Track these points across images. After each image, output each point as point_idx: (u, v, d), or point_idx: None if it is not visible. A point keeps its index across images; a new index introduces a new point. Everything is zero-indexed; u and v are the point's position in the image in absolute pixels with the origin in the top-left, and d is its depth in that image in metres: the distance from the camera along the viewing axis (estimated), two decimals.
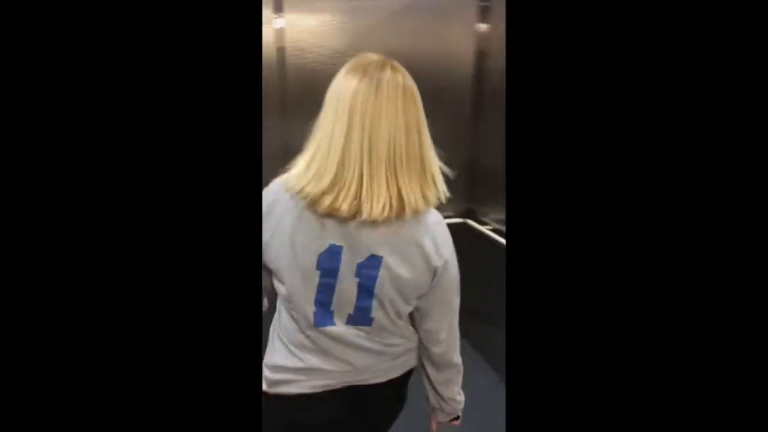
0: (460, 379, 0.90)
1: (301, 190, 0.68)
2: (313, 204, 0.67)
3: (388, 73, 0.67)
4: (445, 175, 0.74)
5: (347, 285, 0.73)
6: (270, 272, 0.79)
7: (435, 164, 0.72)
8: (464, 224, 2.12)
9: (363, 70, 0.67)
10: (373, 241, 0.71)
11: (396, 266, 0.72)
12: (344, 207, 0.65)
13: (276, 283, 0.78)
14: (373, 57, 0.70)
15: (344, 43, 1.71)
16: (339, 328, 0.77)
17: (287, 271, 0.73)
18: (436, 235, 0.74)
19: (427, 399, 0.94)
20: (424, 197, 0.70)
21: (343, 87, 0.67)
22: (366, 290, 0.73)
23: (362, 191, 0.66)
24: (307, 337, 0.78)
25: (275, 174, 0.79)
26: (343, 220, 0.69)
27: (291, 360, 0.79)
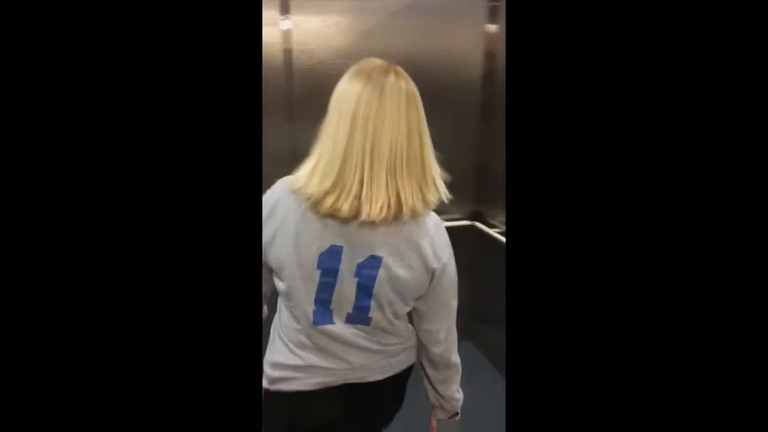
0: (458, 377, 0.92)
1: (304, 191, 0.70)
2: (315, 204, 0.69)
3: (391, 78, 0.68)
4: (447, 178, 0.75)
5: (347, 284, 0.74)
6: (271, 275, 0.81)
7: (435, 167, 0.73)
8: (472, 227, 2.10)
9: (367, 75, 0.68)
10: (373, 242, 0.72)
11: (395, 267, 0.74)
12: (345, 207, 0.67)
13: (277, 282, 0.79)
14: (377, 62, 0.71)
15: (352, 44, 1.70)
16: (338, 326, 0.78)
17: (289, 270, 0.74)
18: (434, 237, 0.76)
19: (427, 397, 0.96)
20: (424, 199, 0.72)
21: (347, 91, 0.69)
22: (365, 290, 0.75)
23: (362, 193, 0.67)
24: (307, 335, 0.79)
25: (281, 176, 0.79)
26: (344, 221, 0.70)
27: (290, 358, 0.81)
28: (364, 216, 0.67)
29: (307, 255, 0.73)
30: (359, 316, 0.78)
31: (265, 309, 0.89)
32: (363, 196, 0.67)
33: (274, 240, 0.74)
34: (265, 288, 0.84)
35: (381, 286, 0.75)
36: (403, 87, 0.69)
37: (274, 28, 1.62)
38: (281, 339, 0.83)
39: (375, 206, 0.67)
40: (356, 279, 0.74)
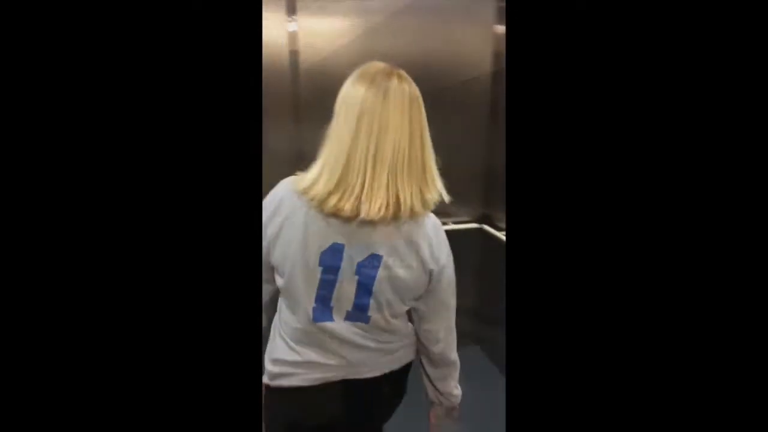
0: (457, 374, 0.94)
1: (310, 191, 0.72)
2: (319, 204, 0.71)
3: (395, 82, 0.70)
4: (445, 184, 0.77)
5: (347, 282, 0.76)
6: (272, 275, 0.82)
7: (435, 168, 0.75)
8: (480, 229, 2.08)
9: (371, 79, 0.70)
10: (373, 241, 0.74)
11: (394, 266, 0.76)
12: (347, 207, 0.69)
13: (278, 279, 0.80)
14: (380, 65, 0.73)
15: (358, 45, 1.69)
16: (337, 324, 0.80)
17: (291, 267, 0.76)
18: (432, 239, 0.78)
19: (426, 394, 0.98)
20: (423, 200, 0.73)
21: (351, 94, 0.71)
22: (365, 288, 0.77)
23: (363, 193, 0.69)
24: (305, 331, 0.80)
25: (286, 177, 0.80)
26: (346, 220, 0.72)
27: (290, 354, 0.82)
28: (363, 215, 0.69)
29: (309, 253, 0.74)
30: (358, 314, 0.79)
31: (264, 320, 0.90)
32: (363, 196, 0.69)
33: (277, 238, 0.76)
34: (265, 298, 0.87)
35: (380, 285, 0.76)
36: (406, 90, 0.71)
37: (280, 30, 1.61)
38: (281, 336, 0.84)
39: (374, 206, 0.69)
40: (356, 277, 0.76)
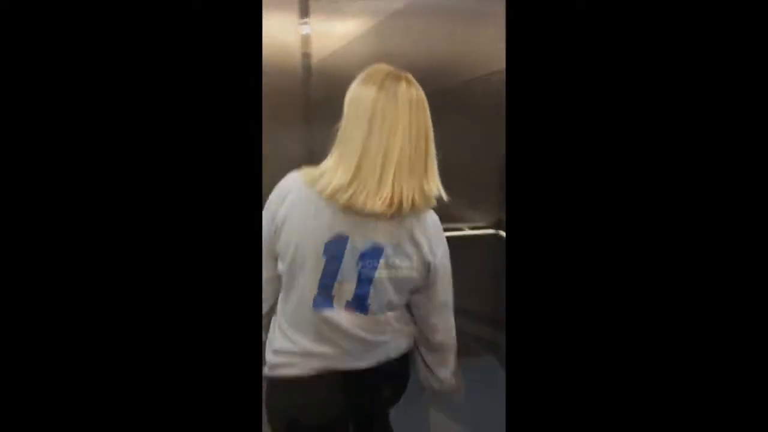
0: (453, 360, 0.98)
1: (321, 184, 0.77)
2: (331, 196, 0.76)
3: (403, 86, 0.77)
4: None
5: (349, 273, 0.80)
6: (274, 279, 0.86)
7: (435, 165, 0.81)
8: (496, 235, 2.03)
9: (380, 82, 0.76)
10: (377, 233, 0.79)
11: (395, 258, 0.81)
12: (359, 200, 0.75)
13: (281, 266, 0.83)
14: (387, 69, 0.79)
15: (372, 48, 1.67)
16: (336, 312, 0.83)
17: (295, 255, 0.80)
18: (432, 233, 0.84)
19: (422, 383, 1.01)
20: (425, 196, 0.79)
21: (362, 97, 0.77)
22: (366, 279, 0.81)
23: (373, 188, 0.75)
24: (304, 319, 0.83)
25: None
26: (352, 212, 0.77)
27: (288, 344, 0.85)
28: (371, 208, 0.75)
29: (314, 242, 0.79)
30: (358, 304, 0.83)
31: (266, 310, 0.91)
32: (374, 191, 0.75)
33: (283, 226, 0.80)
34: (266, 307, 0.89)
35: (381, 276, 0.81)
36: (414, 94, 0.77)
37: (293, 33, 1.60)
38: (280, 326, 0.87)
39: (382, 200, 0.75)
40: (358, 267, 0.80)
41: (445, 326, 0.93)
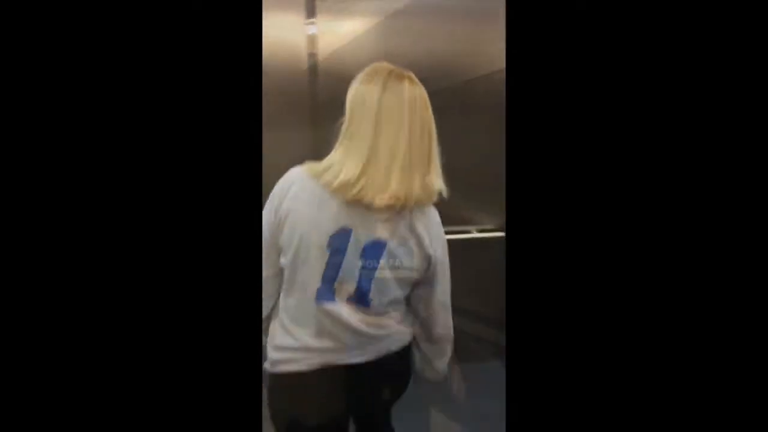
0: (450, 349, 1.00)
1: (328, 178, 0.78)
2: (338, 190, 0.77)
3: (407, 85, 0.80)
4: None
5: (352, 266, 0.81)
6: (276, 275, 0.87)
7: (438, 161, 0.83)
8: (504, 237, 2.01)
9: (384, 81, 0.79)
10: (380, 227, 0.81)
11: (397, 252, 0.82)
12: (364, 195, 0.76)
13: (284, 260, 0.84)
14: (389, 67, 0.82)
15: (373, 48, 1.67)
16: (338, 306, 0.83)
17: (298, 248, 0.81)
18: (433, 228, 0.87)
19: (418, 374, 1.01)
20: (429, 191, 0.81)
21: (368, 95, 0.79)
22: (368, 273, 0.82)
23: (380, 183, 0.77)
24: (306, 313, 0.84)
25: None
26: (357, 206, 0.79)
27: (289, 339, 0.85)
28: (379, 203, 0.77)
29: (319, 234, 0.80)
30: (360, 298, 0.83)
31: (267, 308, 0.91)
32: (381, 186, 0.77)
33: (287, 218, 0.81)
34: (266, 315, 0.89)
35: (383, 270, 0.82)
36: (417, 93, 0.80)
37: (299, 33, 1.61)
38: (281, 321, 0.87)
39: (389, 195, 0.77)
40: (361, 261, 0.81)
41: (444, 319, 0.95)
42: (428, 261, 0.86)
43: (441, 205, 0.87)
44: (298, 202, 0.81)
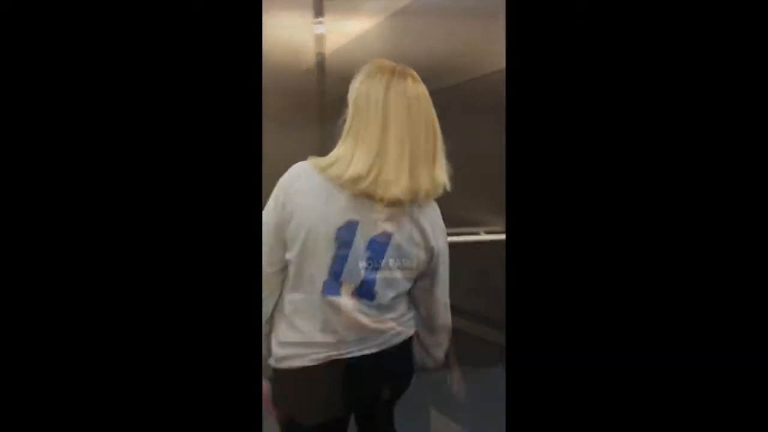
0: (448, 338, 1.02)
1: (337, 172, 0.79)
2: (344, 184, 0.79)
3: (410, 83, 0.82)
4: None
5: (358, 259, 0.83)
6: (279, 273, 0.87)
7: (443, 156, 0.85)
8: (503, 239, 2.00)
9: (387, 80, 0.81)
10: (386, 220, 0.82)
11: (402, 244, 0.84)
12: (375, 190, 0.78)
13: (289, 256, 0.84)
14: (391, 64, 0.84)
15: (379, 48, 1.67)
16: (344, 299, 0.84)
17: (306, 240, 0.81)
18: (435, 221, 0.90)
19: (416, 363, 1.02)
20: (436, 185, 0.84)
21: (372, 92, 0.81)
22: (374, 266, 0.84)
23: (391, 177, 0.78)
24: (313, 307, 0.84)
25: None
26: (364, 200, 0.80)
27: (294, 334, 0.86)
28: (389, 197, 0.78)
29: (326, 227, 0.81)
30: (366, 290, 0.85)
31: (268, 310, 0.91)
32: (391, 180, 0.78)
33: (294, 212, 0.82)
34: (266, 320, 0.89)
35: (389, 263, 0.84)
36: (420, 90, 0.83)
37: (307, 32, 1.61)
38: (286, 317, 0.87)
39: (396, 189, 0.78)
40: (367, 253, 0.83)
41: (445, 309, 0.98)
42: (431, 253, 0.88)
43: (441, 193, 0.88)
44: (305, 196, 0.81)
